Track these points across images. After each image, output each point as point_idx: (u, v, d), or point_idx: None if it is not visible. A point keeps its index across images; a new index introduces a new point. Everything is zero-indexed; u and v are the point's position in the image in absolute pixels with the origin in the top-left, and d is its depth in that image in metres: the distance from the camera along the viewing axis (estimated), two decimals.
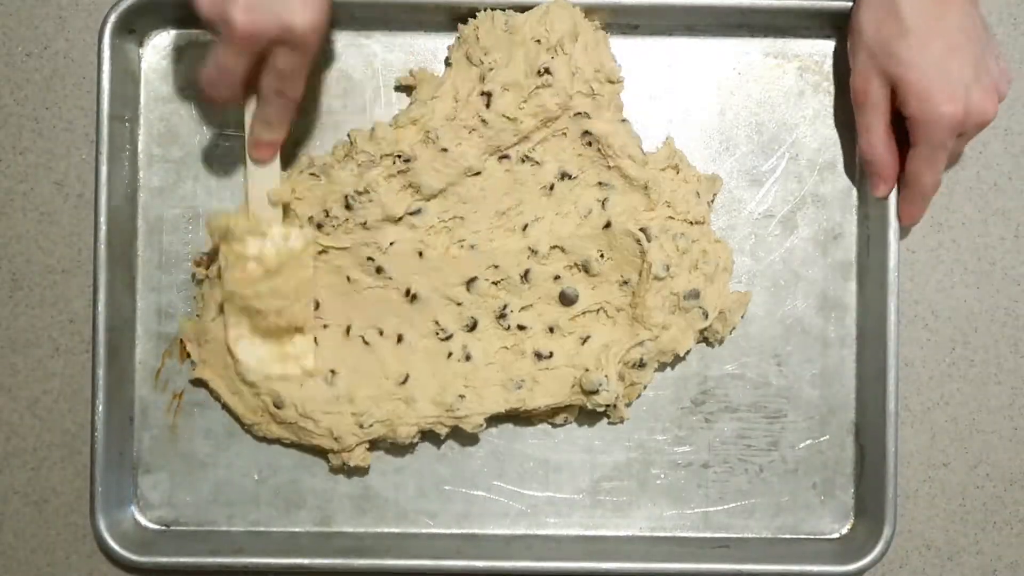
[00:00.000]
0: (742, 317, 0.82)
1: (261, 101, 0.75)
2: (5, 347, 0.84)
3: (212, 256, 0.81)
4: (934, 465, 0.85)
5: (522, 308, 0.80)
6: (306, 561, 0.80)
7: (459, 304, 0.80)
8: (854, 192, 0.84)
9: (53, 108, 0.84)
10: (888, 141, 0.77)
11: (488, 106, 0.78)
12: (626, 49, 0.83)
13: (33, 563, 0.84)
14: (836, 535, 0.83)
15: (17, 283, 0.84)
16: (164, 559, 0.80)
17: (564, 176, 0.79)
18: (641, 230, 0.78)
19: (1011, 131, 0.85)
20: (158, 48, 0.84)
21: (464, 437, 0.83)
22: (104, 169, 0.80)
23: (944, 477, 0.85)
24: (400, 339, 0.80)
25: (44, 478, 0.84)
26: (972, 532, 0.85)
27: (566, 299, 0.80)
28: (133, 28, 0.82)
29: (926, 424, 0.85)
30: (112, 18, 0.80)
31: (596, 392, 0.78)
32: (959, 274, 0.85)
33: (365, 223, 0.78)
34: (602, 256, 0.80)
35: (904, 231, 0.82)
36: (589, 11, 0.80)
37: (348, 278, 0.80)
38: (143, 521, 0.83)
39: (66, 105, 0.84)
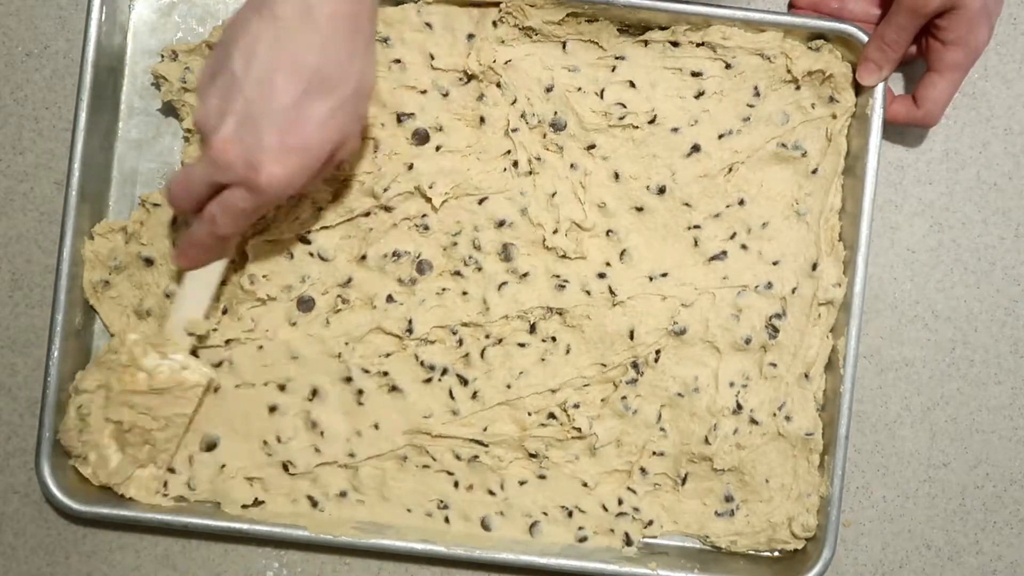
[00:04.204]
0: None
1: (198, 218, 0.72)
2: (5, 347, 0.84)
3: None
4: (934, 465, 0.85)
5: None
6: (245, 526, 0.79)
7: None
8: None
9: (53, 108, 0.84)
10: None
11: None
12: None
13: (33, 562, 0.84)
14: (793, 548, 0.82)
15: (17, 283, 0.84)
16: (106, 511, 0.79)
17: None
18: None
19: (1011, 131, 0.85)
20: (149, 2, 0.83)
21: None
22: (83, 116, 0.79)
23: (944, 477, 0.85)
24: None
25: None
26: (972, 532, 0.85)
27: None
28: None
29: (926, 424, 0.85)
30: None
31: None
32: (959, 274, 0.85)
33: None
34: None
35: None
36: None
37: None
38: (83, 472, 0.81)
39: (67, 105, 0.84)
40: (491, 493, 0.81)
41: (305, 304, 0.80)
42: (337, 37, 0.65)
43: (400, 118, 0.80)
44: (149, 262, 0.81)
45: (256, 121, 0.66)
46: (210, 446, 0.81)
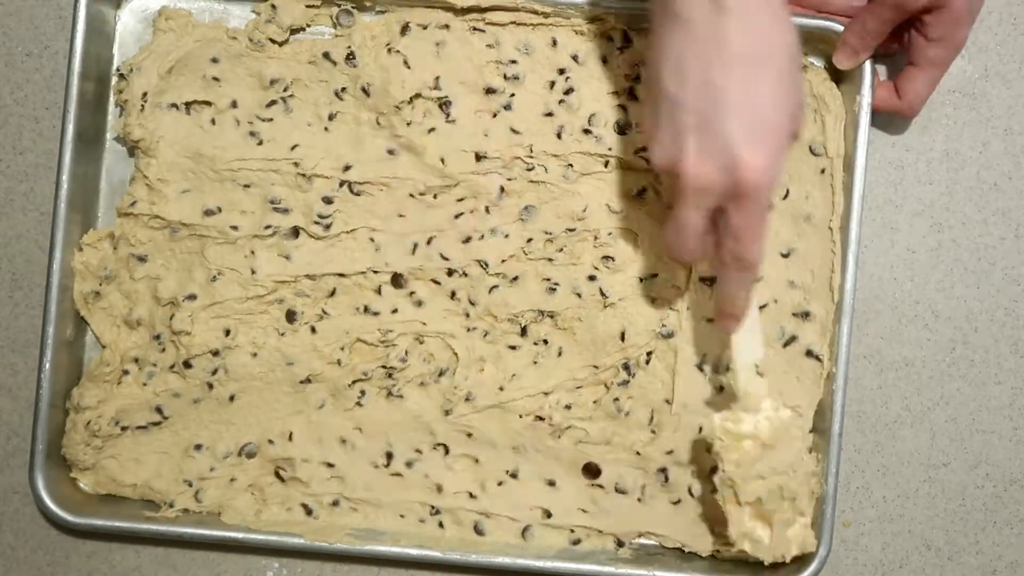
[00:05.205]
0: None
1: (721, 269, 0.71)
2: (5, 347, 0.84)
3: None
4: (934, 465, 0.85)
5: None
6: (241, 535, 0.79)
7: None
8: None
9: (53, 108, 0.84)
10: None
11: None
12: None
13: (33, 562, 0.84)
14: None
15: (17, 283, 0.84)
16: (101, 522, 0.79)
17: None
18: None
19: (1011, 131, 0.85)
20: (135, 12, 0.83)
21: None
22: (71, 128, 0.79)
23: (944, 477, 0.85)
24: None
25: None
26: (972, 532, 0.85)
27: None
28: None
29: (926, 424, 0.85)
30: None
31: None
32: (959, 274, 0.85)
33: None
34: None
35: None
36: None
37: None
38: (82, 483, 0.82)
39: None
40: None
41: (291, 314, 0.81)
42: (752, 14, 0.64)
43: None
44: (142, 259, 0.81)
45: (712, 126, 0.65)
46: (250, 454, 0.81)
